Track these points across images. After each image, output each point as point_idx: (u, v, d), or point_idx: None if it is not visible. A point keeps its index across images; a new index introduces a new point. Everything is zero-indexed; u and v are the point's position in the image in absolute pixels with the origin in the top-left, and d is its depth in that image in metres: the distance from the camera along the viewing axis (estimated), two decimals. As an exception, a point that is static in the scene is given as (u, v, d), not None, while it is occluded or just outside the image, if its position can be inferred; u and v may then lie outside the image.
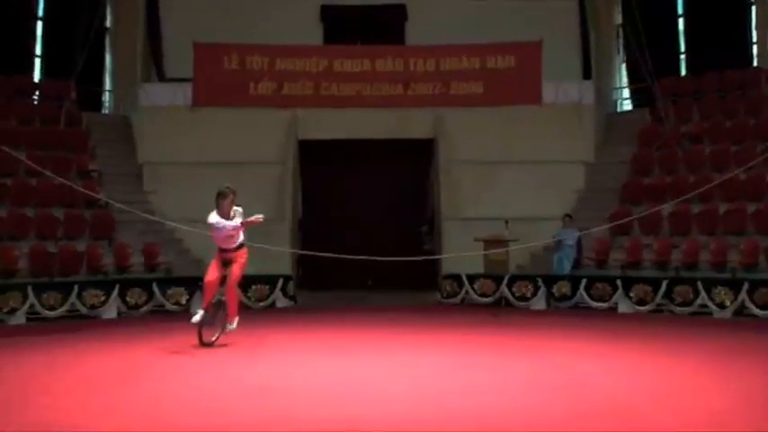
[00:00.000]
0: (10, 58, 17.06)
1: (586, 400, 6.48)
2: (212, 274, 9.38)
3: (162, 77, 18.45)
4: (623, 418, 5.88)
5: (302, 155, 18.01)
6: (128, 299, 13.43)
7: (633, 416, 5.96)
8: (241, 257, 9.53)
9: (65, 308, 12.82)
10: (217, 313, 9.57)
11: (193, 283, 14.10)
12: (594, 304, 13.94)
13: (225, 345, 9.71)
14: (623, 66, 19.42)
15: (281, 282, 14.83)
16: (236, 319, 9.71)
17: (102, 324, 12.53)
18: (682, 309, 13.14)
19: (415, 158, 18.45)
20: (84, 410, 6.13)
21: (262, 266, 15.13)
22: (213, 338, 9.49)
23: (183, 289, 13.91)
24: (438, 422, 5.76)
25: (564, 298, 14.29)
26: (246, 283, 14.51)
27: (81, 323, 12.42)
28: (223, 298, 9.54)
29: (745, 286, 12.55)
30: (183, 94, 17.45)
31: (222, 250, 9.53)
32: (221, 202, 9.19)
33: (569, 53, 18.38)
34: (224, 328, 9.62)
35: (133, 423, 5.71)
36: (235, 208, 9.34)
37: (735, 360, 8.62)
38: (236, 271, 9.45)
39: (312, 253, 13.58)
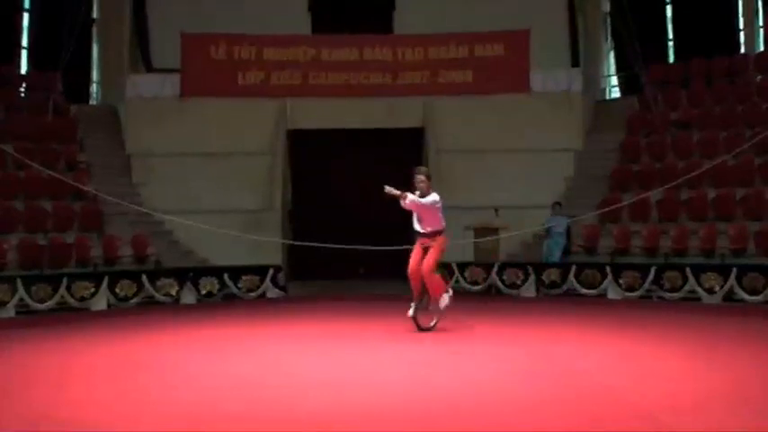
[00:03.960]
0: (-4, 49, 16.96)
1: (576, 386, 6.52)
2: (414, 262, 9.43)
3: (149, 68, 18.33)
4: (612, 402, 5.92)
5: (291, 145, 17.98)
6: (117, 291, 13.39)
7: (622, 399, 6.00)
8: (439, 244, 9.48)
9: (54, 300, 12.77)
10: (426, 300, 9.59)
11: (183, 275, 14.15)
12: (584, 291, 14.00)
13: (217, 337, 9.72)
14: (611, 53, 19.41)
15: (271, 272, 14.82)
16: (445, 293, 9.52)
17: (93, 316, 12.50)
18: (671, 294, 13.22)
19: (405, 147, 18.42)
20: (84, 403, 6.11)
21: (252, 257, 15.25)
22: (432, 323, 9.53)
23: (172, 280, 13.92)
24: (433, 411, 5.78)
25: (554, 285, 14.35)
26: (237, 273, 14.57)
27: (71, 315, 12.40)
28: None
29: (734, 272, 12.64)
30: (171, 84, 17.36)
31: (421, 235, 9.58)
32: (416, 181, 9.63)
33: (557, 41, 18.39)
34: (439, 311, 9.56)
35: (132, 416, 5.70)
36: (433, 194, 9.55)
37: (723, 345, 8.69)
38: (428, 259, 9.34)
39: (302, 243, 13.58)
